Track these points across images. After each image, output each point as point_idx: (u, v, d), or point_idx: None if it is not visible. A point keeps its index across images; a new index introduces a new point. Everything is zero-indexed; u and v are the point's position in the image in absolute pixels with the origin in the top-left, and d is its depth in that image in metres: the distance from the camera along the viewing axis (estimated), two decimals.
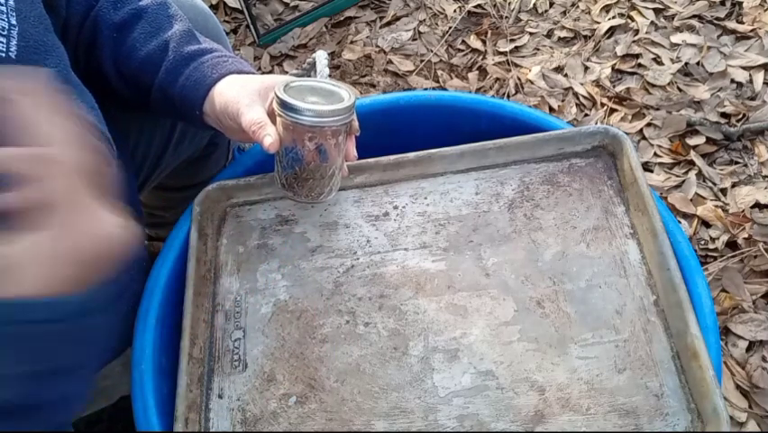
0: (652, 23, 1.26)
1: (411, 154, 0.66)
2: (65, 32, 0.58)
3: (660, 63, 1.20)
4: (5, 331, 0.33)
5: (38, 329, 0.34)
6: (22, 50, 0.46)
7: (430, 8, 1.37)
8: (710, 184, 1.04)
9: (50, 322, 0.34)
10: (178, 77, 0.58)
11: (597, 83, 1.19)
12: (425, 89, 1.23)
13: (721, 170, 1.06)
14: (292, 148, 0.56)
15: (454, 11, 1.35)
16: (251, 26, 1.33)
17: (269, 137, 0.53)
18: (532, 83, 1.21)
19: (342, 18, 1.38)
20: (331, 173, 0.59)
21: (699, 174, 1.05)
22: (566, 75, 1.22)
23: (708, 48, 1.20)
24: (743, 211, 0.99)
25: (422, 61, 1.28)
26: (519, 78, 1.22)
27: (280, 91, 0.54)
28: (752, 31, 1.20)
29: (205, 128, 0.61)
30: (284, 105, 0.53)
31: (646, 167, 1.08)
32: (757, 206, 1.00)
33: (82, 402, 0.39)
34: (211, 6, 1.43)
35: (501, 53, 1.27)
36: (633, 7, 1.29)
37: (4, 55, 0.44)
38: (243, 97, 0.55)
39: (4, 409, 0.35)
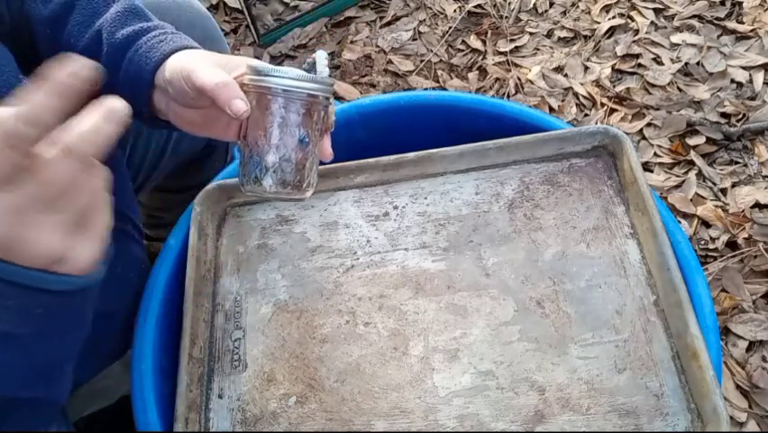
0: (652, 23, 1.26)
1: (411, 154, 0.66)
2: (13, 35, 0.53)
3: (660, 63, 1.20)
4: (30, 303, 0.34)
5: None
6: None
7: (430, 8, 1.37)
8: (710, 184, 1.04)
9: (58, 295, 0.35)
10: (117, 71, 0.50)
11: (597, 83, 1.19)
12: (425, 89, 1.23)
13: (721, 170, 1.06)
14: (274, 128, 0.47)
15: (454, 11, 1.35)
16: (251, 26, 1.33)
17: (240, 100, 0.45)
18: (532, 83, 1.21)
19: (342, 18, 1.38)
20: (312, 160, 0.50)
21: (699, 174, 1.05)
22: (566, 75, 1.22)
23: (708, 48, 1.20)
24: (743, 211, 0.99)
25: (422, 61, 1.28)
26: (519, 78, 1.22)
27: (254, 62, 0.46)
28: (752, 31, 1.20)
29: (153, 123, 0.54)
30: (265, 72, 0.45)
31: (646, 167, 1.08)
32: (757, 206, 1.00)
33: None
34: (211, 6, 1.43)
35: (501, 53, 1.27)
36: (633, 7, 1.29)
37: None
38: (203, 63, 0.47)
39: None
